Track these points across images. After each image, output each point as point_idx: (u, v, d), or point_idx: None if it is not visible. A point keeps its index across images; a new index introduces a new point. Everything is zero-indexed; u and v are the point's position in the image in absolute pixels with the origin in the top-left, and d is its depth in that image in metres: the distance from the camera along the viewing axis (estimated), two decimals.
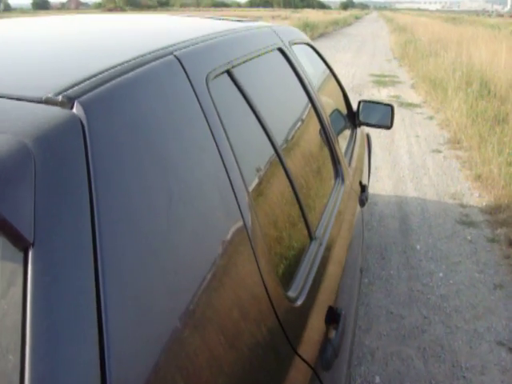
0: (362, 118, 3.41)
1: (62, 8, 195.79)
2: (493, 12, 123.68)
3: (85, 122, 0.77)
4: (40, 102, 0.79)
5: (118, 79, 0.91)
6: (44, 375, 0.58)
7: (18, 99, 0.80)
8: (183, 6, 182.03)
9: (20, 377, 0.57)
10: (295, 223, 1.56)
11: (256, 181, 1.34)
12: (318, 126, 2.20)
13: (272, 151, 1.51)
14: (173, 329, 0.79)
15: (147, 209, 0.83)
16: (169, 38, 1.34)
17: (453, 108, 9.24)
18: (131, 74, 0.96)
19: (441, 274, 4.11)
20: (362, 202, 2.60)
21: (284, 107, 1.92)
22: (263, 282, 1.12)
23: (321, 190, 1.98)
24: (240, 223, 1.10)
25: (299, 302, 1.30)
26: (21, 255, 0.63)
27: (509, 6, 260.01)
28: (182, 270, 0.86)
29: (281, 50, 2.07)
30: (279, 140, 1.60)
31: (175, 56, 1.14)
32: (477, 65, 12.34)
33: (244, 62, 1.54)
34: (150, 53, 1.09)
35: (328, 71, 3.19)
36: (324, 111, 2.31)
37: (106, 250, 0.71)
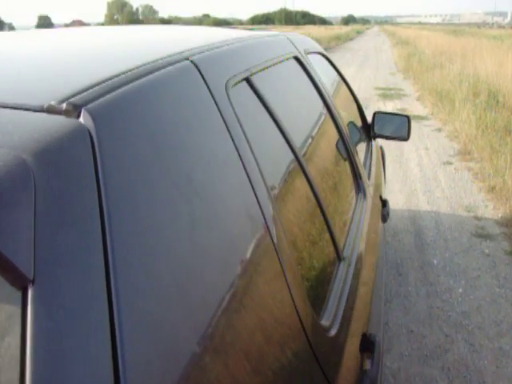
0: (377, 129, 3.30)
1: None
2: (493, 24, 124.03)
3: (93, 133, 0.67)
4: (41, 110, 0.69)
5: (130, 85, 0.81)
6: None
7: (15, 108, 0.70)
8: (185, 25, 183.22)
9: None
10: (323, 243, 1.44)
11: (282, 197, 1.23)
12: (337, 139, 2.10)
13: (297, 166, 1.40)
14: (196, 356, 0.69)
15: (168, 230, 0.72)
16: (183, 43, 1.24)
17: (461, 119, 9.14)
18: (144, 79, 0.86)
19: (460, 290, 3.97)
20: (384, 218, 2.48)
21: (304, 118, 1.81)
22: (296, 309, 1.01)
23: (345, 206, 1.87)
24: (268, 243, 0.99)
25: (333, 332, 1.19)
26: (18, 295, 0.53)
27: (509, 18, 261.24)
28: (207, 295, 0.76)
29: (297, 59, 1.97)
30: (302, 153, 1.49)
31: (191, 61, 1.04)
32: (483, 76, 12.26)
33: (263, 70, 1.45)
34: (163, 58, 0.99)
35: (342, 82, 3.09)
36: (343, 123, 2.21)
37: (122, 290, 0.60)
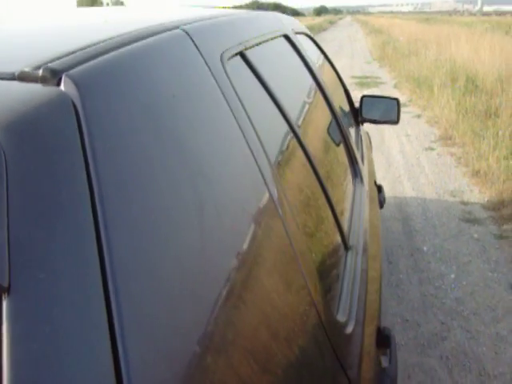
0: (365, 114, 3.20)
1: None
2: (464, 11, 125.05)
3: (77, 103, 0.55)
4: (11, 78, 0.57)
5: (117, 51, 0.70)
6: None
7: None
8: None
9: None
10: (331, 231, 1.34)
11: (287, 180, 1.12)
12: (331, 121, 1.99)
13: (298, 148, 1.30)
14: (209, 353, 0.59)
15: (168, 214, 0.61)
16: (174, 14, 1.13)
17: (440, 105, 9.10)
18: (134, 45, 0.75)
19: (452, 276, 3.90)
20: (381, 204, 2.38)
21: (299, 98, 1.70)
22: (314, 305, 0.90)
23: (346, 191, 1.76)
24: (282, 234, 0.88)
25: (350, 328, 1.08)
26: None
27: (479, 5, 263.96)
28: (220, 290, 0.66)
29: (287, 37, 1.87)
30: (301, 134, 1.38)
31: (184, 30, 0.94)
32: (459, 62, 12.26)
33: (256, 45, 1.35)
34: (153, 26, 0.88)
35: (328, 64, 2.98)
36: (335, 105, 2.10)
37: (122, 295, 0.49)
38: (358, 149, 2.64)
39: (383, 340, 1.25)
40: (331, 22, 71.08)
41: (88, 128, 0.54)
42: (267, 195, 0.90)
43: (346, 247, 1.40)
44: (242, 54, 1.20)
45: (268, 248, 0.84)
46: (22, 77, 0.57)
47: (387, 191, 5.69)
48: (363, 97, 3.19)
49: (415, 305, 3.53)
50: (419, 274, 3.93)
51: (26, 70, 0.57)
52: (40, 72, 0.57)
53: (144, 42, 0.78)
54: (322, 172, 1.41)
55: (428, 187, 5.81)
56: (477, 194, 5.53)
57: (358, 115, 3.20)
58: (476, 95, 9.18)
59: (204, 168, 0.74)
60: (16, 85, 0.56)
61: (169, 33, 0.89)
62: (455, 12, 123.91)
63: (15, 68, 0.58)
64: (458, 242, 4.44)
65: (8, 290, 0.41)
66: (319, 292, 0.95)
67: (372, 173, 2.67)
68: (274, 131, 1.24)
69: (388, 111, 3.18)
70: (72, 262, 0.46)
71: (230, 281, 0.69)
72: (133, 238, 0.54)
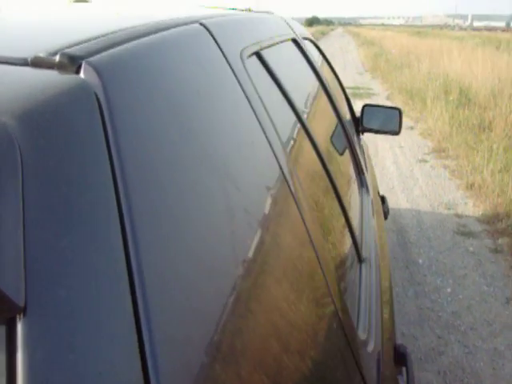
0: (365, 123, 3.15)
1: None
2: (455, 26, 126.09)
3: (100, 93, 0.49)
4: (23, 64, 0.51)
5: (139, 40, 0.65)
6: None
7: None
8: None
9: None
10: (347, 244, 1.29)
11: (307, 188, 1.07)
12: (339, 129, 1.94)
13: (315, 155, 1.25)
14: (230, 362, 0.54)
15: (198, 214, 0.57)
16: (192, 10, 1.08)
17: (433, 117, 9.10)
18: (153, 36, 0.69)
19: (449, 290, 3.85)
20: (385, 215, 2.33)
21: (309, 102, 1.65)
22: (341, 324, 0.84)
23: (356, 203, 1.71)
24: (307, 244, 0.83)
25: (371, 346, 1.03)
26: (3, 330, 0.35)
27: (469, 21, 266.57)
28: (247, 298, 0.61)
29: (295, 41, 1.82)
30: (317, 142, 1.33)
31: (203, 24, 0.89)
32: (452, 75, 12.29)
33: (270, 46, 1.31)
34: (172, 19, 0.83)
35: (331, 72, 2.94)
36: (342, 112, 2.05)
37: (153, 320, 0.43)
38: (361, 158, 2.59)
39: (400, 358, 1.20)
40: (323, 33, 71.31)
41: (112, 121, 0.48)
42: (290, 198, 0.88)
43: (360, 260, 1.35)
44: (258, 54, 1.17)
45: (294, 259, 0.79)
46: (36, 63, 0.51)
47: None
48: (365, 106, 3.14)
49: (411, 318, 3.48)
50: (415, 287, 3.89)
51: (41, 55, 0.52)
52: (57, 58, 0.51)
53: (164, 33, 0.73)
54: (335, 180, 1.37)
55: (422, 199, 5.78)
56: (471, 208, 5.51)
57: (358, 124, 3.15)
58: (469, 108, 9.19)
59: (229, 168, 0.70)
60: (29, 71, 0.50)
61: (188, 26, 0.85)
62: (446, 26, 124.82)
63: (28, 54, 0.52)
64: (453, 255, 4.40)
65: (24, 311, 0.35)
66: (343, 308, 0.90)
67: (375, 183, 2.62)
68: (292, 137, 1.19)
69: (389, 121, 3.14)
70: (97, 276, 0.41)
71: (253, 291, 0.64)
72: (164, 253, 0.48)
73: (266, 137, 0.89)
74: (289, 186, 0.90)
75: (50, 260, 0.38)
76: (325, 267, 0.89)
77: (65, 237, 0.39)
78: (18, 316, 0.35)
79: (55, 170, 0.41)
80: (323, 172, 1.29)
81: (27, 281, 0.35)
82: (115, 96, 0.51)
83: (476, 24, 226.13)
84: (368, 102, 11.75)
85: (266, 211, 0.78)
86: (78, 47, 0.54)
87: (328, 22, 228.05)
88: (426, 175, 6.63)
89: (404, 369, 1.18)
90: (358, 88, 14.36)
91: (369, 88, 14.55)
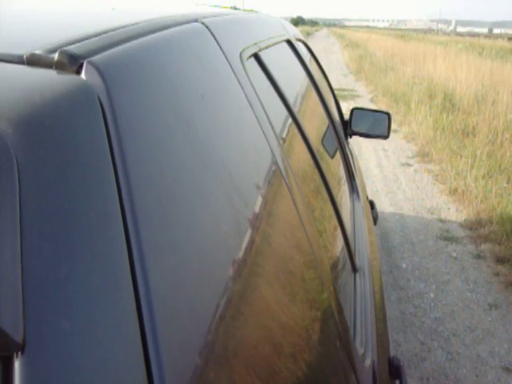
0: (354, 127, 3.13)
1: None
2: (438, 30, 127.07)
3: (103, 95, 0.45)
4: (18, 61, 0.47)
5: (140, 40, 0.61)
6: None
7: None
8: None
9: None
10: (342, 252, 1.26)
11: (305, 197, 1.04)
12: (331, 133, 1.91)
13: (311, 159, 1.22)
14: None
15: (201, 215, 0.55)
16: (192, 8, 1.05)
17: (417, 121, 9.13)
18: (154, 35, 0.66)
19: (432, 295, 3.85)
20: (375, 221, 2.31)
21: (304, 104, 1.63)
22: (340, 337, 0.82)
23: (348, 209, 1.69)
24: (307, 248, 0.81)
25: (368, 359, 1.00)
26: None
27: (453, 26, 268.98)
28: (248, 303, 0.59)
29: (289, 43, 1.80)
30: (312, 145, 1.30)
31: (203, 23, 0.86)
32: (436, 79, 12.36)
33: (267, 48, 1.29)
34: (170, 17, 0.80)
35: (322, 74, 2.92)
36: (334, 115, 2.03)
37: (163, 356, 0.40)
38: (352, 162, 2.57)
39: (394, 370, 1.18)
40: (308, 34, 71.43)
41: (116, 127, 0.45)
42: (290, 202, 0.85)
43: (354, 269, 1.33)
44: (256, 55, 1.14)
45: (295, 268, 0.76)
46: (33, 61, 0.47)
47: None
48: (353, 109, 3.12)
49: (395, 324, 3.47)
50: (398, 292, 3.88)
51: (38, 52, 0.47)
52: (55, 56, 0.47)
53: (165, 32, 0.70)
54: (330, 185, 1.34)
55: (405, 203, 5.79)
56: (454, 213, 5.52)
57: (347, 127, 3.13)
58: (453, 113, 9.24)
59: (230, 170, 0.67)
60: (24, 70, 0.46)
61: (189, 25, 0.82)
62: (430, 31, 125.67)
63: (23, 51, 0.48)
64: (436, 261, 4.41)
65: (22, 348, 0.31)
66: (342, 322, 0.87)
67: (364, 187, 2.60)
68: (290, 140, 1.16)
69: (378, 125, 3.12)
70: (104, 306, 0.37)
71: (251, 299, 0.61)
72: (167, 258, 0.45)
73: (266, 139, 0.87)
74: (289, 191, 0.88)
75: (52, 287, 0.34)
76: (324, 277, 0.87)
77: (66, 261, 0.35)
78: (15, 355, 0.31)
79: (57, 183, 0.37)
80: (319, 177, 1.27)
81: (25, 312, 0.32)
82: (119, 99, 0.47)
83: (459, 29, 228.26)
84: (352, 103, 11.79)
85: (265, 214, 0.75)
86: (78, 45, 0.50)
87: (313, 23, 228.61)
88: (410, 179, 6.64)
89: (398, 382, 1.16)
90: (343, 90, 14.37)
91: (353, 90, 14.58)
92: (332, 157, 1.76)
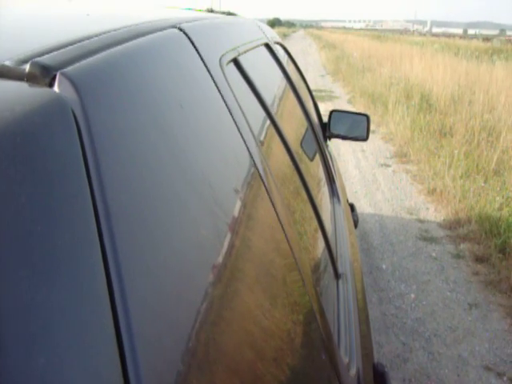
0: (333, 129, 3.12)
1: None
2: (414, 31, 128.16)
3: (77, 109, 0.43)
4: None
5: (114, 49, 0.58)
6: None
7: None
8: None
9: None
10: (325, 259, 1.25)
11: (285, 201, 1.03)
12: (310, 135, 1.90)
13: (291, 165, 1.20)
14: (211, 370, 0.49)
15: (171, 222, 0.52)
16: (169, 12, 1.03)
17: (395, 122, 9.18)
18: (130, 43, 0.63)
19: (412, 295, 3.86)
20: (355, 224, 2.30)
21: (282, 108, 1.61)
22: (326, 348, 0.80)
23: (329, 213, 1.67)
24: (288, 254, 0.80)
25: (353, 369, 0.99)
26: None
27: (428, 27, 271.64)
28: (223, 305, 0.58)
29: (267, 46, 1.78)
30: (292, 149, 1.29)
31: (180, 29, 0.85)
32: (413, 80, 12.45)
33: (245, 52, 1.28)
34: (146, 23, 0.78)
35: (300, 77, 2.91)
36: (313, 118, 2.02)
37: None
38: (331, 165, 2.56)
39: (379, 377, 1.17)
40: (285, 35, 71.60)
41: (91, 142, 0.42)
42: (270, 206, 0.84)
43: (337, 275, 1.32)
44: (235, 60, 1.13)
45: (276, 274, 0.75)
46: (2, 72, 0.44)
47: None
48: (332, 111, 3.11)
49: (376, 325, 3.47)
50: (379, 293, 3.89)
51: (7, 63, 0.45)
52: (27, 68, 0.44)
53: (142, 39, 0.67)
54: (310, 189, 1.33)
55: (384, 204, 5.81)
56: (433, 213, 5.55)
57: (325, 130, 3.13)
58: (430, 113, 9.31)
59: (210, 178, 0.66)
60: None
61: (167, 31, 0.79)
62: (406, 31, 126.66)
63: None
64: (416, 261, 4.42)
65: None
66: (326, 331, 0.86)
67: (344, 190, 2.60)
68: (270, 145, 1.15)
69: (357, 127, 3.12)
70: (84, 338, 0.35)
71: (232, 303, 0.60)
72: (143, 267, 0.44)
73: (245, 144, 0.86)
74: (269, 195, 0.87)
75: (24, 322, 0.32)
76: (307, 283, 0.86)
77: (41, 288, 0.34)
78: None
79: (28, 203, 0.35)
80: (299, 180, 1.26)
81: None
82: (94, 113, 0.45)
83: (435, 30, 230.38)
84: (330, 105, 11.84)
85: (245, 219, 0.74)
86: (50, 55, 0.47)
87: (290, 24, 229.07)
88: (388, 180, 6.67)
89: None
90: (320, 91, 14.41)
91: (330, 91, 14.63)
92: (311, 160, 1.75)
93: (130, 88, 0.56)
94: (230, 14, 1.88)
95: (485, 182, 5.96)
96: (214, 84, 0.83)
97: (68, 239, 0.37)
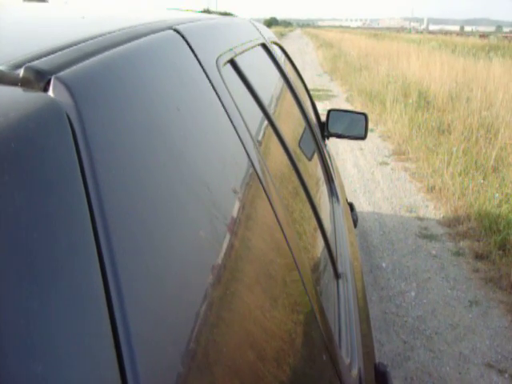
0: (331, 128, 3.12)
1: None
2: (411, 29, 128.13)
3: (72, 113, 0.42)
4: None
5: (109, 52, 0.57)
6: None
7: None
8: None
9: None
10: (324, 259, 1.24)
11: (283, 201, 1.02)
12: (309, 135, 1.90)
13: (290, 165, 1.20)
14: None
15: (167, 224, 0.52)
16: (164, 13, 1.02)
17: (393, 120, 9.19)
18: (125, 45, 0.63)
19: (413, 294, 3.86)
20: (355, 223, 2.30)
21: (280, 109, 1.61)
22: (326, 347, 0.80)
23: (329, 213, 1.67)
24: (288, 256, 0.80)
25: (355, 369, 0.98)
26: None
27: (425, 24, 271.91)
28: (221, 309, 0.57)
29: (264, 46, 1.78)
30: (291, 150, 1.28)
31: (176, 31, 0.84)
32: (410, 77, 12.44)
33: (242, 52, 1.27)
34: (142, 25, 0.77)
35: (298, 76, 2.90)
36: (311, 118, 2.02)
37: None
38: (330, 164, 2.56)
39: (380, 377, 1.17)
40: (282, 34, 71.60)
41: (87, 147, 0.42)
42: (268, 207, 0.84)
43: (337, 275, 1.31)
44: (232, 61, 1.12)
45: (277, 276, 0.74)
46: None
47: None
48: (330, 111, 3.11)
49: (377, 323, 3.47)
50: (379, 292, 3.89)
51: (1, 68, 0.44)
52: (21, 72, 0.44)
53: (137, 42, 0.67)
54: (309, 190, 1.33)
55: (384, 202, 5.81)
56: (432, 210, 5.55)
57: (323, 129, 3.12)
58: (428, 111, 9.31)
59: (208, 181, 0.65)
60: None
61: (163, 33, 0.79)
62: (402, 29, 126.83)
63: None
64: (416, 259, 4.42)
65: None
66: (327, 332, 0.86)
67: (343, 189, 2.59)
68: (269, 146, 1.15)
69: (355, 126, 3.11)
70: (81, 342, 0.35)
71: (232, 304, 0.60)
72: (140, 268, 0.44)
73: (243, 145, 0.85)
74: (267, 196, 0.86)
75: (21, 326, 0.31)
76: (307, 284, 0.85)
77: (37, 291, 0.33)
78: None
79: (24, 210, 0.35)
80: (297, 180, 1.26)
81: None
82: (89, 117, 0.44)
83: (432, 27, 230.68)
84: (328, 104, 11.84)
85: (243, 219, 0.73)
86: (45, 59, 0.47)
87: (286, 24, 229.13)
88: (387, 178, 6.67)
89: None
90: (318, 90, 14.41)
91: (328, 90, 14.62)
92: (310, 159, 1.75)
93: (126, 91, 0.55)
94: (226, 14, 1.87)
95: (484, 178, 5.96)
96: (210, 85, 0.83)
97: (64, 243, 0.37)
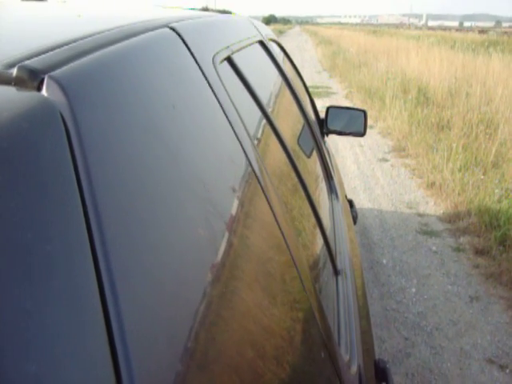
0: (330, 125, 3.11)
1: None
2: (410, 25, 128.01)
3: (66, 113, 0.42)
4: None
5: (103, 50, 0.57)
6: None
7: None
8: None
9: None
10: (323, 256, 1.24)
11: (281, 198, 1.02)
12: (307, 132, 1.89)
13: (289, 162, 1.20)
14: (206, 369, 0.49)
15: (164, 225, 0.51)
16: (160, 12, 1.02)
17: (392, 116, 9.18)
18: (120, 44, 0.62)
19: (413, 290, 3.86)
20: (354, 220, 2.30)
21: (278, 106, 1.61)
22: (324, 343, 0.80)
23: (328, 210, 1.67)
24: (286, 253, 0.80)
25: (355, 366, 0.98)
26: None
27: (424, 20, 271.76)
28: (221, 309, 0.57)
29: (262, 43, 1.77)
30: (289, 147, 1.28)
31: (172, 29, 0.84)
32: (410, 74, 12.43)
33: (239, 50, 1.27)
34: (137, 23, 0.77)
35: (296, 74, 2.90)
36: (310, 115, 2.01)
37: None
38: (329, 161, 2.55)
39: (380, 373, 1.17)
40: (281, 32, 71.49)
41: (81, 146, 0.42)
42: (266, 205, 0.83)
43: (336, 272, 1.31)
44: (229, 58, 1.12)
45: (274, 273, 0.74)
46: None
47: None
48: (329, 107, 3.11)
49: (378, 320, 3.47)
50: (380, 288, 3.89)
51: None
52: (14, 72, 0.43)
53: (133, 40, 0.66)
54: (308, 187, 1.32)
55: (384, 198, 5.81)
56: (432, 206, 5.55)
57: (323, 126, 3.12)
58: (428, 107, 9.30)
59: (205, 180, 0.65)
60: None
61: (158, 31, 0.79)
62: (401, 25, 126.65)
63: None
64: (416, 255, 4.42)
65: None
66: (326, 329, 0.86)
67: (342, 186, 2.59)
68: (267, 144, 1.14)
69: (354, 123, 3.11)
70: (75, 340, 0.35)
71: (231, 302, 0.59)
72: (137, 266, 0.43)
73: (241, 143, 0.85)
74: (265, 193, 0.86)
75: (16, 326, 0.31)
76: (305, 281, 0.85)
77: (31, 291, 0.33)
78: None
79: (17, 210, 0.34)
80: (296, 178, 1.26)
81: None
82: (83, 117, 0.44)
83: (430, 23, 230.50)
84: (327, 100, 11.82)
85: (241, 217, 0.73)
86: (38, 58, 0.47)
87: (285, 21, 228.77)
88: (387, 174, 6.67)
89: None
90: (317, 87, 14.40)
91: (327, 87, 14.61)
92: (309, 157, 1.74)
93: (121, 89, 0.55)
94: (224, 12, 1.87)
95: (484, 174, 5.95)
96: (207, 83, 0.83)
97: (59, 242, 0.37)
